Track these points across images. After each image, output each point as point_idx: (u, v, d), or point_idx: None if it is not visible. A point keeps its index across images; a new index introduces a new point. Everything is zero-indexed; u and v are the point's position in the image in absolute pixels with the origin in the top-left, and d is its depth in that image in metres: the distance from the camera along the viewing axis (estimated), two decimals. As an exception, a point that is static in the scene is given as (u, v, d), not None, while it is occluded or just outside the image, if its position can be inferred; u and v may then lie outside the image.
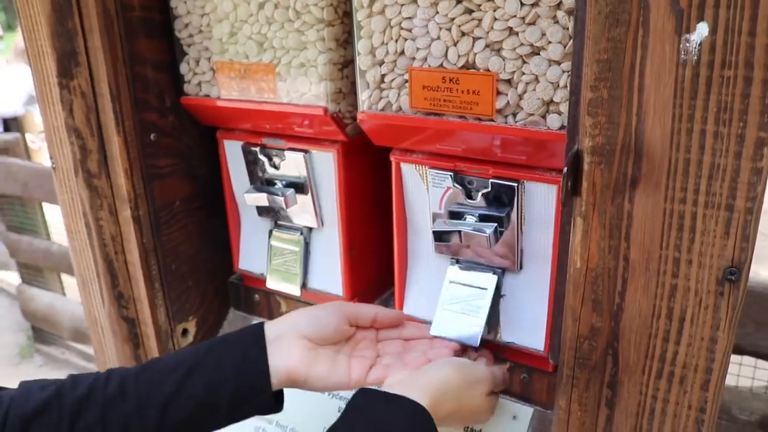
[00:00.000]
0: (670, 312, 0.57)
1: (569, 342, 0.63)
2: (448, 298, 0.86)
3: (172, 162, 1.04)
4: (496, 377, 0.82)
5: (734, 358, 1.92)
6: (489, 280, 0.84)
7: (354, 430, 0.69)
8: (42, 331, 3.65)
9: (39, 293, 3.50)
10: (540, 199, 0.78)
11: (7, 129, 4.06)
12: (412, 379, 0.75)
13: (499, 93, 0.72)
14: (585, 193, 0.57)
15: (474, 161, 0.80)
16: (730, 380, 1.95)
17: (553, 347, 0.77)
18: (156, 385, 0.73)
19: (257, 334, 0.78)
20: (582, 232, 0.58)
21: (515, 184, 0.78)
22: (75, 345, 3.50)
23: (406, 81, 0.78)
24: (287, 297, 1.11)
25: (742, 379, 1.97)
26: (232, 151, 1.05)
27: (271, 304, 1.14)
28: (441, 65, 0.75)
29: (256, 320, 1.16)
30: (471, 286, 0.85)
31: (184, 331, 1.12)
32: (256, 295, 1.15)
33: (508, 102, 0.72)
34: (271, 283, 1.07)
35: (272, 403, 0.77)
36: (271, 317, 1.14)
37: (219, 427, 0.76)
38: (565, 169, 0.56)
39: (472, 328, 0.83)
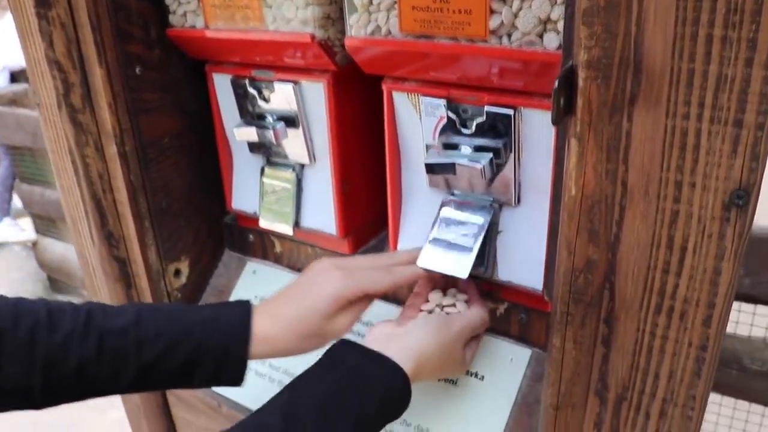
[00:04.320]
0: (670, 241, 0.53)
1: (564, 276, 0.59)
2: (438, 231, 0.82)
3: (159, 96, 0.99)
4: (474, 325, 0.79)
5: (748, 308, 1.87)
6: (484, 214, 0.80)
7: (329, 377, 0.68)
8: (58, 281, 3.68)
9: (53, 243, 3.51)
10: (538, 128, 0.73)
11: (14, 81, 4.03)
12: (393, 339, 0.74)
13: (492, 12, 0.66)
14: (580, 111, 0.52)
15: (468, 88, 0.75)
16: (743, 330, 1.91)
17: (549, 283, 0.73)
18: (136, 352, 0.72)
19: (242, 329, 0.76)
20: (577, 155, 0.54)
21: (511, 112, 0.73)
22: (89, 293, 3.52)
23: (395, 2, 0.72)
24: (281, 237, 1.08)
25: (755, 329, 1.93)
26: (222, 85, 1.00)
27: (266, 245, 1.11)
28: (431, -19, 0.69)
29: (250, 261, 1.13)
30: (464, 221, 0.81)
31: (177, 272, 1.10)
32: (251, 236, 1.12)
33: (502, 21, 0.66)
34: (264, 223, 1.04)
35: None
36: (265, 258, 1.11)
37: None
38: (557, 83, 0.50)
39: (461, 260, 0.79)
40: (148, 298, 1.07)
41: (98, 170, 0.98)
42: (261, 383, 1.00)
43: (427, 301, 0.84)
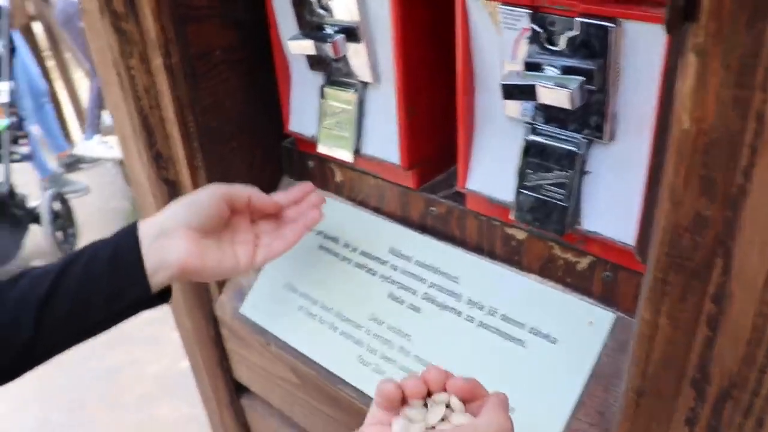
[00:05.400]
0: (819, 199, 0.39)
1: (663, 234, 0.46)
2: (524, 179, 0.70)
3: (208, 3, 0.89)
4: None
5: None
6: (572, 153, 0.67)
7: None
8: (145, 198, 3.74)
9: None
10: (642, 46, 0.58)
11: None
12: None
13: None
14: (705, 16, 0.38)
15: (559, -7, 0.61)
16: None
17: (643, 241, 0.60)
18: (30, 288, 0.68)
19: (129, 229, 0.74)
20: (696, 75, 0.40)
21: (610, 25, 0.58)
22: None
23: None
24: (342, 165, 0.97)
25: None
26: (279, -8, 0.89)
27: (326, 172, 1.01)
28: None
29: (310, 190, 1.04)
30: (551, 163, 0.68)
31: (230, 199, 1.01)
32: (310, 162, 1.02)
33: None
34: (322, 148, 0.93)
35: (153, 296, 0.73)
36: (325, 187, 1.02)
37: (102, 326, 0.73)
38: (676, -26, 0.36)
39: (555, 216, 0.69)
40: (198, 224, 0.99)
41: (144, 84, 0.90)
42: (312, 324, 0.92)
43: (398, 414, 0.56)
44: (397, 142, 0.85)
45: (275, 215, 0.86)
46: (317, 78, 0.92)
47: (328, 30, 0.84)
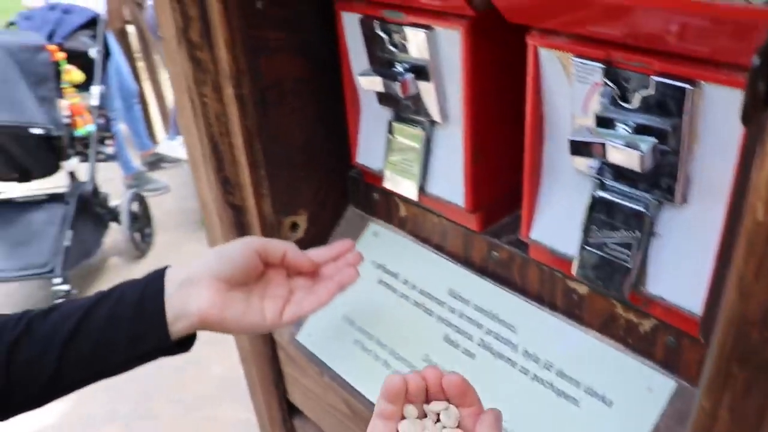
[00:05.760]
0: None
1: (729, 325, 0.43)
2: (588, 235, 0.68)
3: (281, 35, 0.90)
4: None
5: None
6: (641, 214, 0.64)
7: None
8: (221, 199, 3.83)
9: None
10: (722, 110, 0.55)
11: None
12: None
13: (677, -51, 0.49)
14: (786, 105, 0.35)
15: (634, 50, 0.58)
16: None
17: (708, 321, 0.56)
18: (60, 323, 0.70)
19: (158, 274, 0.75)
20: (771, 167, 0.37)
21: (688, 87, 0.55)
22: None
23: (551, -68, 0.57)
24: (407, 200, 0.97)
25: None
26: (351, 27, 0.88)
27: (390, 206, 1.00)
28: None
29: (374, 221, 1.04)
30: (617, 222, 0.66)
31: (294, 226, 1.02)
32: (375, 194, 1.02)
33: (689, -37, 0.49)
34: (388, 183, 0.93)
35: (172, 344, 0.73)
36: (389, 220, 1.01)
37: (122, 367, 0.73)
38: (757, 59, 0.34)
39: (618, 277, 0.66)
40: (261, 249, 1.00)
41: (216, 112, 0.92)
42: (366, 359, 0.91)
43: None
44: (462, 184, 0.83)
45: (312, 272, 0.84)
46: (386, 113, 0.92)
47: (399, 67, 0.83)
